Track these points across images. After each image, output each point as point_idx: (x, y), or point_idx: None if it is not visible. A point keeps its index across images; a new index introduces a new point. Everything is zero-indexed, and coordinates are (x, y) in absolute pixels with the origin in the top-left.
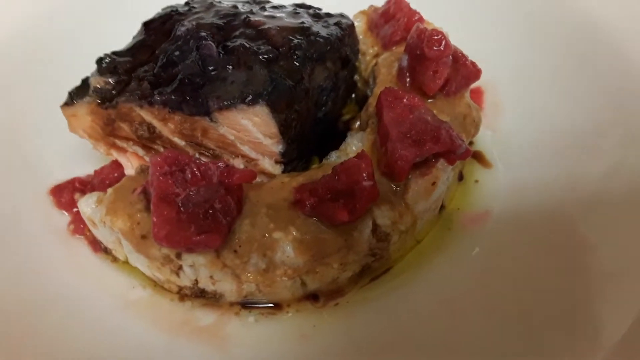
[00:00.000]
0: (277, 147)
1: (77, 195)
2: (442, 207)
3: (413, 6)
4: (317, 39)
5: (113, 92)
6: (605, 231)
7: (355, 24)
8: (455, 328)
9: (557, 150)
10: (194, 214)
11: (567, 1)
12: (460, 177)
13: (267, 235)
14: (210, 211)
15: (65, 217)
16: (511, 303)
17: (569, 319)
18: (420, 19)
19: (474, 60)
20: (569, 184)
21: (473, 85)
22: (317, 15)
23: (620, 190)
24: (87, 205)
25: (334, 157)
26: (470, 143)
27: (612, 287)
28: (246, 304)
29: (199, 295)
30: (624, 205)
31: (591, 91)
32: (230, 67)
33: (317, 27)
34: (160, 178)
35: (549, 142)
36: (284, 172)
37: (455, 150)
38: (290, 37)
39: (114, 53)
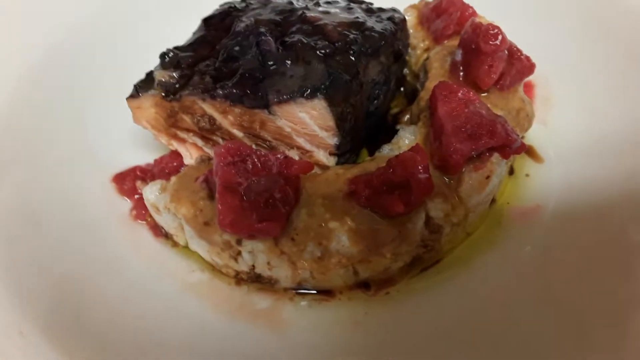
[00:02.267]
0: (333, 140)
1: (138, 183)
2: (493, 200)
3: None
4: (372, 34)
5: (176, 85)
6: None
7: (406, 17)
8: (501, 321)
9: (609, 145)
10: (256, 202)
11: None
12: (511, 171)
13: (323, 224)
14: (271, 200)
15: (127, 204)
16: (559, 299)
17: (621, 320)
18: (474, 13)
19: (527, 55)
20: (622, 179)
21: (525, 79)
22: (369, 10)
23: None
24: (151, 192)
25: (387, 150)
26: (522, 137)
27: None
28: (299, 290)
29: (255, 280)
30: None
31: None
32: (289, 61)
33: (371, 22)
34: (225, 168)
35: (601, 137)
36: (337, 164)
37: (511, 145)
38: (346, 32)
39: (177, 48)
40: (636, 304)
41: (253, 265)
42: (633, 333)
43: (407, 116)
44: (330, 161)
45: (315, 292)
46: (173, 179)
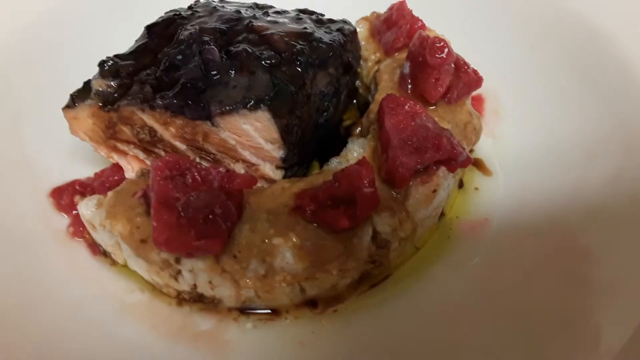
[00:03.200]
0: (278, 153)
1: (77, 198)
2: (442, 214)
3: (415, 13)
4: (320, 45)
5: (115, 95)
6: (606, 239)
7: (358, 29)
8: (453, 335)
9: (557, 158)
10: (194, 218)
11: (569, 9)
12: (461, 184)
13: (266, 240)
14: (211, 216)
15: (64, 220)
16: (511, 311)
17: (570, 328)
18: (423, 26)
19: (475, 68)
20: (569, 191)
21: (474, 93)
22: (319, 21)
23: (621, 198)
24: (87, 208)
25: (335, 163)
26: (471, 151)
27: (612, 296)
28: (244, 310)
29: (198, 300)
30: (625, 214)
31: (592, 98)
32: (233, 72)
33: (319, 33)
34: (161, 182)
35: (549, 150)
36: (284, 177)
37: (456, 158)
38: (293, 43)
39: (117, 56)
40: (585, 309)
41: (194, 285)
42: (583, 341)
43: (359, 128)
44: (277, 175)
45: (260, 311)
46: (110, 194)
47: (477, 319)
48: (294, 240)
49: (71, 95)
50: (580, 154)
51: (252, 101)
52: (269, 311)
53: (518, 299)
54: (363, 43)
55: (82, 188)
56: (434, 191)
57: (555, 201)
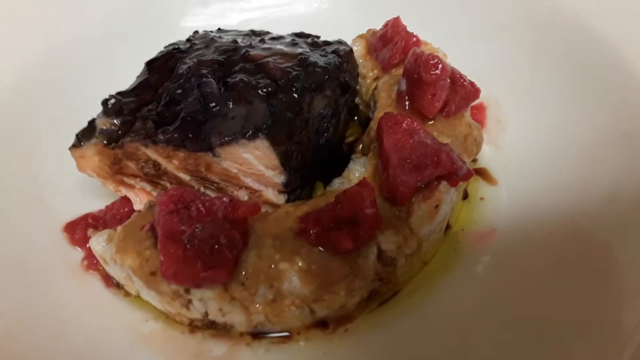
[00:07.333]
0: (280, 178)
1: (90, 231)
2: (448, 227)
3: (410, 28)
4: (315, 69)
5: (119, 132)
6: (616, 241)
7: (355, 48)
8: (466, 348)
9: (561, 164)
10: (200, 250)
11: (567, 14)
12: (465, 195)
13: (273, 266)
14: (216, 246)
15: (79, 253)
16: (524, 320)
17: (583, 331)
18: (417, 42)
19: (472, 80)
20: (576, 195)
21: (474, 103)
22: (315, 44)
23: (625, 202)
24: (97, 243)
25: (337, 184)
26: (474, 160)
27: (626, 295)
28: (257, 334)
29: (210, 326)
30: (631, 216)
31: (593, 103)
32: (231, 102)
33: (315, 57)
34: (166, 217)
35: (553, 156)
36: (287, 201)
37: (457, 172)
38: (289, 70)
39: (119, 93)
40: (602, 312)
41: (206, 313)
42: (604, 343)
43: (361, 146)
44: (280, 199)
45: (272, 335)
46: (119, 228)
47: (489, 330)
48: (300, 264)
49: (77, 135)
50: (585, 158)
51: (250, 131)
52: (281, 334)
53: (530, 307)
54: (360, 61)
55: (95, 221)
56: (437, 206)
57: (562, 206)
